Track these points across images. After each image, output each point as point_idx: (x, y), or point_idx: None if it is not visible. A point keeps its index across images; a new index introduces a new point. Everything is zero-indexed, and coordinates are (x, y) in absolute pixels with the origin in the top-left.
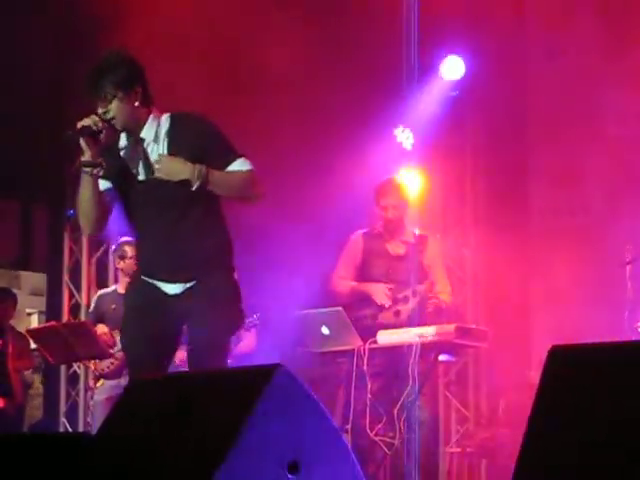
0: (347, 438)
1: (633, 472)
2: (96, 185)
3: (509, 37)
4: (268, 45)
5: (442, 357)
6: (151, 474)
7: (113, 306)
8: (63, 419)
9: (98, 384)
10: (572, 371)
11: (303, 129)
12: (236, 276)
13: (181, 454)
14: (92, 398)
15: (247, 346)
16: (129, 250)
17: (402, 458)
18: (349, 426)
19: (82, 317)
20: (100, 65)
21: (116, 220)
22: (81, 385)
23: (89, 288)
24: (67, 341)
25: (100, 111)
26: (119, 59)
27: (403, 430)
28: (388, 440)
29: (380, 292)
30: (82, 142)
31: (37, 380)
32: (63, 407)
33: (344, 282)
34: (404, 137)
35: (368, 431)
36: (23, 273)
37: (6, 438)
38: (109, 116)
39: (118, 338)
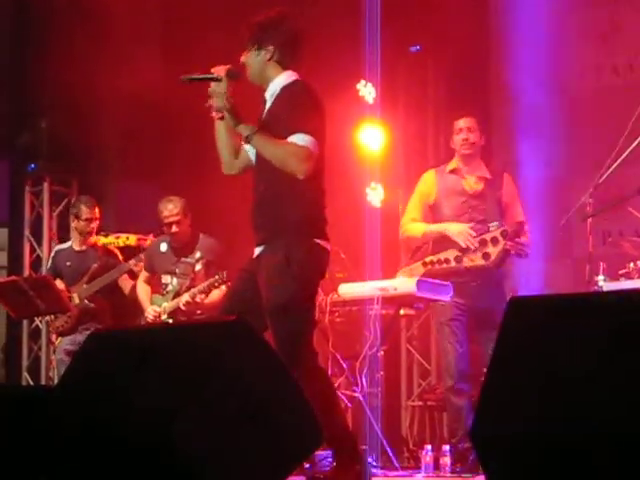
0: None
1: (587, 417)
2: (221, 128)
3: None
4: None
5: (404, 311)
6: (111, 426)
7: (68, 263)
8: (25, 373)
9: (56, 342)
10: (530, 322)
11: None
12: (321, 244)
13: (141, 407)
14: (54, 353)
15: (217, 300)
16: (84, 212)
17: (364, 411)
18: None
19: (44, 271)
20: (249, 20)
21: None
22: (43, 340)
23: (50, 242)
24: (29, 295)
25: (242, 59)
26: (263, 19)
27: (365, 384)
28: (350, 393)
29: (463, 233)
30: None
31: None
32: (25, 362)
33: (416, 225)
34: (366, 91)
35: None
36: None
37: None
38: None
39: (75, 295)
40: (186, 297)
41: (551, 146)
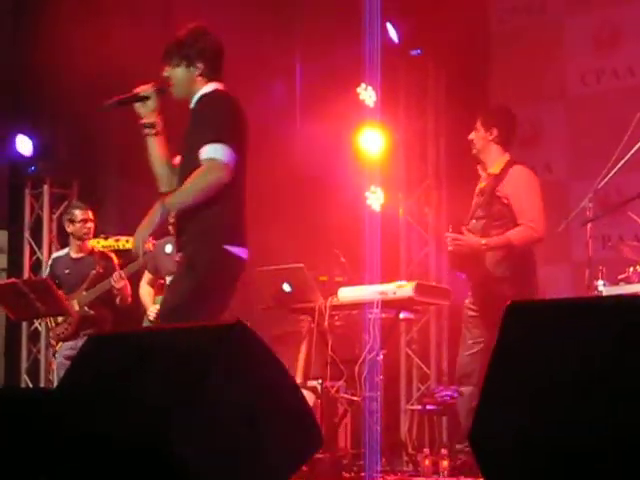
0: (308, 395)
1: (587, 421)
2: (155, 144)
3: None
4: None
5: (403, 314)
6: (109, 427)
7: (66, 271)
8: (24, 376)
9: (57, 347)
10: (529, 327)
11: (266, 89)
12: (230, 250)
13: (139, 409)
14: (54, 356)
15: None
16: (78, 214)
17: (363, 415)
18: (310, 383)
19: (43, 274)
20: (173, 36)
21: None
22: (42, 342)
23: (50, 245)
24: (28, 298)
25: (165, 74)
26: (187, 35)
27: (364, 387)
28: (349, 397)
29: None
30: (136, 107)
31: None
32: (24, 364)
33: None
34: (367, 95)
35: (329, 388)
36: None
37: None
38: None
39: (74, 302)
40: None
41: (550, 150)
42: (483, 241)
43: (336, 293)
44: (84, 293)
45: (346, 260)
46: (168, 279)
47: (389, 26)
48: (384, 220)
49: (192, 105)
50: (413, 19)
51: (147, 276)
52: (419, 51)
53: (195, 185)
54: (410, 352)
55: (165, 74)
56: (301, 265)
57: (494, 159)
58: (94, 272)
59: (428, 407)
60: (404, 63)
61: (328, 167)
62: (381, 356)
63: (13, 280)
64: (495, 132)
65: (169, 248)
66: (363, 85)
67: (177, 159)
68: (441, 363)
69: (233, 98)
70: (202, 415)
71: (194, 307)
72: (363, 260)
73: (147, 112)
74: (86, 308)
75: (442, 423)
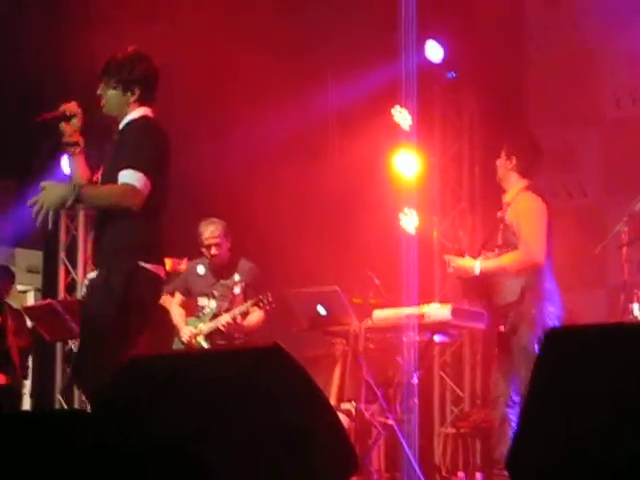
0: (342, 418)
1: (624, 452)
2: (75, 163)
3: (506, 18)
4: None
5: (437, 337)
6: (144, 449)
7: None
8: (59, 396)
9: None
10: (568, 352)
11: (301, 111)
12: (147, 267)
13: (175, 432)
14: None
15: (255, 323)
16: None
17: (397, 438)
18: (344, 406)
19: (78, 294)
20: (111, 57)
21: None
22: None
23: (85, 265)
24: (63, 318)
25: (99, 92)
26: (126, 59)
27: (398, 410)
28: (383, 420)
29: None
30: (60, 125)
31: None
32: (59, 384)
33: None
34: (401, 117)
35: (363, 411)
36: (19, 250)
37: (3, 415)
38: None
39: None
40: (227, 318)
41: (585, 173)
42: (476, 263)
43: (370, 315)
44: None
45: (380, 282)
46: (200, 300)
47: (433, 45)
48: (418, 242)
49: (120, 127)
50: (448, 42)
51: (178, 297)
52: (454, 74)
53: (110, 198)
54: (444, 375)
55: (99, 92)
56: (336, 287)
57: (511, 187)
58: None
59: (462, 430)
60: (439, 86)
61: (362, 189)
62: (416, 379)
63: (49, 301)
64: (514, 160)
65: (201, 269)
66: (398, 107)
67: (98, 175)
68: (475, 386)
69: (159, 126)
70: (238, 439)
71: (113, 320)
72: (397, 282)
73: (71, 131)
74: None
75: (476, 446)
